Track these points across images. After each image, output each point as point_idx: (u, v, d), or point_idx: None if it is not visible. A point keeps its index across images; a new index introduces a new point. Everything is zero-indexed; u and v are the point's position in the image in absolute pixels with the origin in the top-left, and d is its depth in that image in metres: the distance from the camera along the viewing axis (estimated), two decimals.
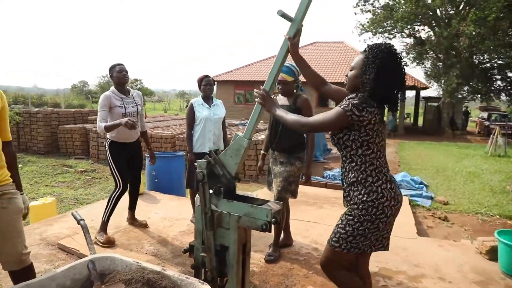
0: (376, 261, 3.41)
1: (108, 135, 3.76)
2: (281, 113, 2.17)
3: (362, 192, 2.06)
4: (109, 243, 3.61)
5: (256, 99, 2.27)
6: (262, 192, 5.96)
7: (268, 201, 2.36)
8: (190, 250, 2.52)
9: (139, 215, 4.38)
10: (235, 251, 2.32)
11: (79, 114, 13.16)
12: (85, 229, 2.29)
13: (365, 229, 2.06)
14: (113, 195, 3.77)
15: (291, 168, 3.32)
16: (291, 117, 2.13)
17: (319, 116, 2.08)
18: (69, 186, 7.81)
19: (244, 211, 2.25)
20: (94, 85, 47.35)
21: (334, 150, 13.12)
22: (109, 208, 3.77)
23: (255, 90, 2.27)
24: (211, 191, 2.35)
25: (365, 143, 2.03)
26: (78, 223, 2.33)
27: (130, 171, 3.97)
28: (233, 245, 2.32)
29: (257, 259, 3.31)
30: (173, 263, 3.10)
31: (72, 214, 2.43)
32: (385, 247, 2.20)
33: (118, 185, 3.78)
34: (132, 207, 4.19)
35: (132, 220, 4.16)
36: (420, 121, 26.68)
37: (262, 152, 3.71)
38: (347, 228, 2.10)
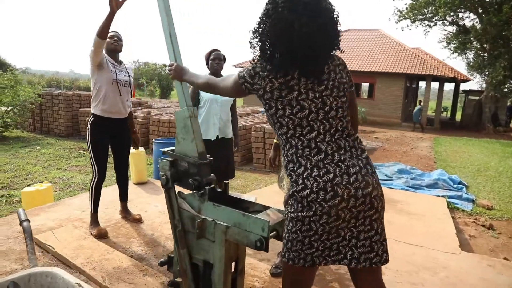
0: (410, 282, 2.77)
1: (92, 109, 3.29)
2: (191, 78, 1.92)
3: (290, 184, 1.57)
4: (101, 236, 3.19)
5: (168, 73, 2.01)
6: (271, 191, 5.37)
7: (268, 207, 1.77)
8: (169, 263, 1.98)
9: (136, 207, 3.89)
10: (221, 271, 1.75)
11: None
12: (27, 233, 1.78)
13: (297, 231, 1.53)
14: (91, 185, 3.33)
15: None
16: (201, 80, 1.87)
17: (224, 81, 1.77)
18: (81, 170, 7.49)
19: (233, 220, 1.68)
20: None
21: (364, 142, 12.41)
22: (91, 199, 3.33)
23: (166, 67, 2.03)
24: (182, 192, 1.79)
25: (275, 119, 1.59)
26: (21, 224, 1.82)
27: (115, 155, 3.51)
28: (218, 262, 1.75)
29: (261, 270, 2.74)
30: (157, 271, 2.57)
31: (17, 212, 1.92)
32: (350, 260, 1.59)
33: (94, 174, 3.30)
34: (123, 197, 3.69)
35: (125, 212, 3.68)
36: (458, 116, 25.19)
37: (274, 141, 3.11)
38: (285, 232, 1.59)
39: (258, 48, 1.59)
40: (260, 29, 1.57)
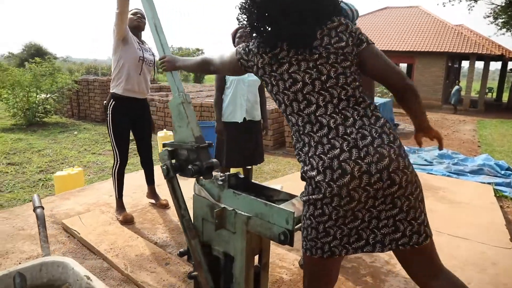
0: None
1: (113, 88, 3.17)
2: (184, 62, 1.91)
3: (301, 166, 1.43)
4: (127, 221, 3.12)
5: (161, 68, 2.00)
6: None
7: (294, 196, 1.59)
8: (188, 253, 1.85)
9: (164, 191, 3.80)
10: (242, 264, 1.60)
11: None
12: (39, 221, 1.69)
13: (310, 217, 1.37)
14: (113, 170, 3.25)
15: None
16: (196, 61, 1.88)
17: (222, 57, 1.71)
18: (112, 155, 7.58)
19: (255, 210, 1.51)
20: None
21: (402, 126, 11.89)
22: (115, 185, 3.26)
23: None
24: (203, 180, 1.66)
25: (273, 96, 1.50)
26: (34, 210, 1.74)
27: (137, 138, 3.40)
28: (240, 255, 1.60)
29: (289, 261, 2.57)
30: (180, 260, 2.47)
31: (32, 198, 1.84)
32: (373, 244, 1.38)
33: (116, 159, 3.22)
34: (149, 180, 3.59)
35: (152, 196, 3.59)
36: (505, 97, 23.72)
37: None
38: (302, 222, 1.43)
39: (246, 24, 1.50)
40: (246, 4, 1.47)
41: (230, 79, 3.34)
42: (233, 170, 5.03)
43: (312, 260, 1.40)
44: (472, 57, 18.54)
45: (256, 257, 1.74)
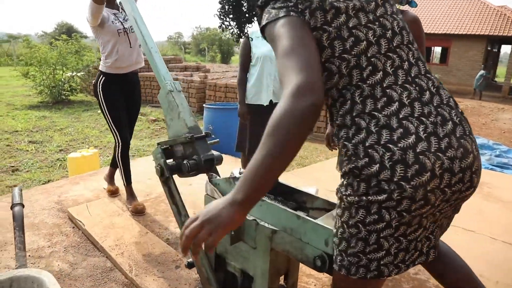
0: None
1: (103, 66, 2.84)
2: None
3: (345, 158, 1.02)
4: (137, 212, 2.84)
5: None
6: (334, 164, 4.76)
7: (335, 204, 1.22)
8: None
9: (180, 179, 3.49)
10: None
11: None
12: (16, 222, 1.38)
13: (357, 224, 0.98)
14: (117, 155, 2.94)
15: None
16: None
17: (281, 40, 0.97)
18: (135, 135, 7.37)
19: (283, 223, 1.15)
20: (189, 36, 48.86)
21: None
22: (121, 171, 2.96)
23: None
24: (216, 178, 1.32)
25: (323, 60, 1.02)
26: (11, 208, 1.43)
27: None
28: (261, 277, 1.25)
29: None
30: None
31: (12, 192, 1.54)
32: (427, 253, 1.07)
33: (117, 142, 2.90)
34: (113, 164, 3.16)
35: (110, 179, 3.23)
36: None
37: None
38: (340, 231, 1.01)
39: None
40: None
41: (256, 55, 2.95)
42: None
43: (349, 281, 1.02)
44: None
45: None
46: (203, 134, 1.54)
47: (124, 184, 2.96)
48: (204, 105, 5.17)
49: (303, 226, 1.08)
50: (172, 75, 11.01)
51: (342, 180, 1.02)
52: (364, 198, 0.96)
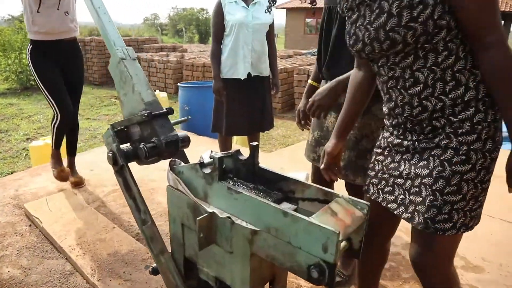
0: None
1: (29, 33, 2.54)
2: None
3: (473, 112, 1.00)
4: (60, 178, 2.69)
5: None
6: None
7: (334, 195, 0.95)
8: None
9: (150, 168, 3.19)
10: None
11: (134, 43, 12.48)
12: None
13: (484, 179, 1.06)
14: (52, 124, 2.65)
15: (364, 120, 1.58)
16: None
17: None
18: (110, 120, 7.00)
19: (266, 221, 0.89)
20: (165, 17, 47.76)
21: None
22: (53, 138, 2.71)
23: None
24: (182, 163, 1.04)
25: (442, 44, 0.98)
26: None
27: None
28: (239, 287, 0.98)
29: None
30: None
31: None
32: None
33: (55, 113, 2.58)
34: (70, 149, 2.94)
35: (70, 171, 2.89)
36: None
37: (309, 82, 1.92)
38: (464, 188, 1.03)
39: None
40: None
41: (230, 23, 2.62)
42: (236, 142, 4.41)
43: (458, 238, 1.15)
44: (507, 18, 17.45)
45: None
46: (164, 110, 1.25)
47: (52, 148, 2.75)
48: (178, 84, 4.81)
49: (293, 225, 0.81)
50: (147, 56, 10.45)
51: (468, 138, 1.00)
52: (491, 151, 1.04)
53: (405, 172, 1.09)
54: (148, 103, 1.24)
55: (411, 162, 1.08)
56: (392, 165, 1.13)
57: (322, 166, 1.38)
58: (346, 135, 1.34)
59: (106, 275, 1.77)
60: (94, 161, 3.31)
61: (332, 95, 1.65)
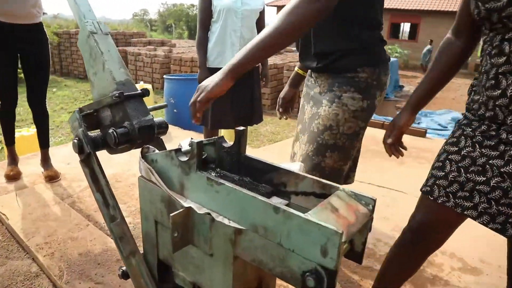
0: None
1: None
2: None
3: None
4: (7, 178, 2.62)
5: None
6: None
7: (333, 187, 0.81)
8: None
9: (132, 162, 3.02)
10: None
11: (121, 36, 12.26)
12: None
13: None
14: None
15: (332, 108, 1.39)
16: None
17: None
18: None
19: (252, 218, 0.74)
20: (155, 13, 47.43)
21: (407, 88, 11.15)
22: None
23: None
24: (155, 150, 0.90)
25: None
26: None
27: (26, 80, 2.53)
28: None
29: None
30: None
31: None
32: None
33: None
34: (42, 142, 2.77)
35: (43, 164, 2.75)
36: None
37: (296, 70, 1.79)
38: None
39: None
40: None
41: (217, 8, 2.46)
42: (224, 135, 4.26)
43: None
44: None
45: None
46: (139, 91, 1.10)
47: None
48: (164, 76, 4.63)
49: (285, 224, 0.67)
50: (135, 50, 10.23)
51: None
52: None
53: (494, 181, 0.93)
54: (121, 83, 1.09)
55: (504, 170, 0.91)
56: (473, 168, 0.98)
57: (389, 141, 1.29)
58: (421, 108, 1.23)
59: (76, 277, 1.60)
60: (72, 155, 3.12)
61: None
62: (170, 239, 0.80)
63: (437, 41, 18.31)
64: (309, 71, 1.61)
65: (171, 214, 0.77)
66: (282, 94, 1.84)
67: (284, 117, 1.88)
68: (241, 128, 0.93)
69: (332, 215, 0.68)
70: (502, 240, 2.22)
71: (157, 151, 0.96)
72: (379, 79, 1.40)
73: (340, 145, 1.40)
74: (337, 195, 0.75)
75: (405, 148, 1.34)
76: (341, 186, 0.78)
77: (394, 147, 1.31)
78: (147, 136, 1.06)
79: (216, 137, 0.97)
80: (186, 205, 0.82)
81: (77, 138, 1.07)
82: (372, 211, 0.75)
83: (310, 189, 0.84)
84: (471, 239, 2.23)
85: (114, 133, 1.00)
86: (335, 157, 1.42)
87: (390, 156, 1.36)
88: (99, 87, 1.15)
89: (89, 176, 1.07)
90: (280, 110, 1.85)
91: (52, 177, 2.65)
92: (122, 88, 1.08)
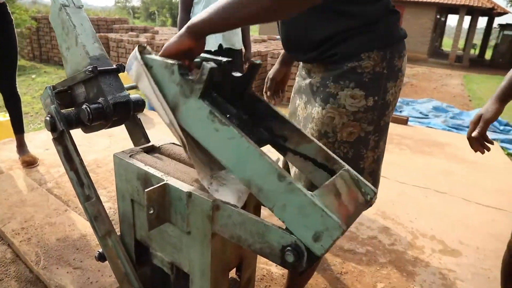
0: None
1: None
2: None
3: None
4: None
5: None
6: None
7: (342, 166, 0.78)
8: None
9: (118, 145, 2.96)
10: None
11: (103, 22, 11.98)
12: None
13: None
14: None
15: (326, 111, 1.10)
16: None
17: None
18: None
19: (250, 174, 0.71)
20: (137, 0, 46.67)
21: None
22: None
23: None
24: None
25: None
26: None
27: None
28: (200, 276, 0.82)
29: None
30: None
31: None
32: None
33: None
34: (16, 127, 2.67)
35: (19, 150, 2.67)
36: (487, 55, 23.26)
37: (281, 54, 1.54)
38: None
39: None
40: None
41: None
42: None
43: None
44: (462, 9, 17.82)
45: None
46: (114, 67, 1.06)
47: None
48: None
49: (285, 195, 0.63)
50: (116, 36, 10.00)
51: None
52: None
53: None
54: (94, 58, 1.05)
55: None
56: None
57: (474, 134, 1.20)
58: (509, 99, 1.16)
59: (53, 263, 1.56)
60: (50, 140, 3.05)
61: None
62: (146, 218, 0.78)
63: (420, 32, 18.50)
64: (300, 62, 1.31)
65: (146, 190, 0.74)
66: (270, 74, 1.54)
67: (272, 101, 1.57)
68: (259, 61, 0.84)
69: (335, 201, 0.65)
70: (478, 223, 2.28)
71: (155, 55, 0.82)
72: (391, 65, 1.08)
73: (342, 156, 1.11)
74: (342, 176, 0.72)
75: (491, 143, 1.22)
76: (347, 165, 0.76)
77: (480, 142, 1.22)
78: (122, 113, 1.03)
79: (226, 60, 0.83)
80: (164, 179, 0.79)
81: (49, 116, 1.03)
82: (369, 203, 0.73)
83: (311, 155, 0.80)
84: (450, 223, 2.27)
85: (88, 108, 0.97)
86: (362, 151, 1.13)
87: (476, 152, 1.25)
88: (72, 62, 1.11)
89: (62, 154, 1.03)
90: (268, 93, 1.55)
91: (29, 163, 2.58)
92: (96, 63, 1.05)
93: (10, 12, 2.45)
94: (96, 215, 0.99)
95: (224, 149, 0.70)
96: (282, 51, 1.51)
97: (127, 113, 1.04)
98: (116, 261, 1.00)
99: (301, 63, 1.29)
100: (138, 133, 1.18)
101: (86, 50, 1.05)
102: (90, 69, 1.00)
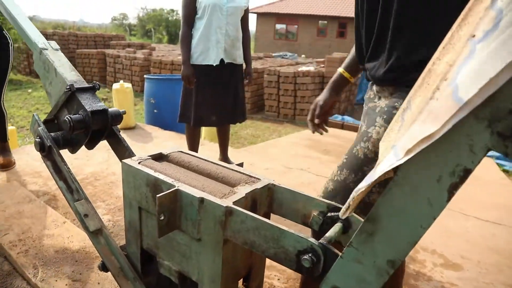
0: (506, 284, 1.85)
1: None
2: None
3: None
4: None
5: None
6: (287, 141, 4.40)
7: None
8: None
9: (111, 161, 2.94)
10: None
11: (100, 38, 12.10)
12: None
13: None
14: None
15: None
16: None
17: None
18: None
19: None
20: (134, 17, 47.24)
21: None
22: None
23: None
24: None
25: None
26: None
27: None
28: (209, 283, 0.81)
29: None
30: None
31: None
32: None
33: None
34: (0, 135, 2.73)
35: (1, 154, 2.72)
36: None
37: (339, 70, 1.36)
38: None
39: None
40: None
41: (202, 4, 2.43)
42: (205, 132, 4.21)
43: None
44: None
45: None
46: (90, 85, 1.18)
47: None
48: (145, 76, 4.54)
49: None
50: (113, 52, 10.06)
51: None
52: None
53: None
54: (72, 81, 1.15)
55: None
56: None
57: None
58: None
59: (52, 275, 1.53)
60: None
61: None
62: (156, 224, 0.77)
63: None
64: (369, 82, 1.19)
65: (157, 195, 0.74)
66: (320, 101, 1.37)
67: (320, 131, 1.41)
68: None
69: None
70: (479, 237, 2.28)
71: None
72: None
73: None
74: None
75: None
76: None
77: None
78: (100, 121, 1.10)
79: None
80: (174, 184, 0.79)
81: (38, 137, 1.11)
82: None
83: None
84: (451, 236, 2.26)
85: (69, 117, 1.05)
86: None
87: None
88: (54, 93, 1.21)
89: (52, 168, 1.13)
90: (316, 121, 1.38)
91: (3, 165, 2.64)
92: (72, 84, 1.14)
93: (7, 35, 2.50)
94: (86, 213, 1.02)
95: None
96: (333, 78, 1.39)
97: (105, 121, 1.12)
98: (119, 271, 0.98)
99: (370, 85, 1.19)
100: (122, 149, 1.22)
101: (65, 77, 1.17)
102: (68, 87, 1.11)
